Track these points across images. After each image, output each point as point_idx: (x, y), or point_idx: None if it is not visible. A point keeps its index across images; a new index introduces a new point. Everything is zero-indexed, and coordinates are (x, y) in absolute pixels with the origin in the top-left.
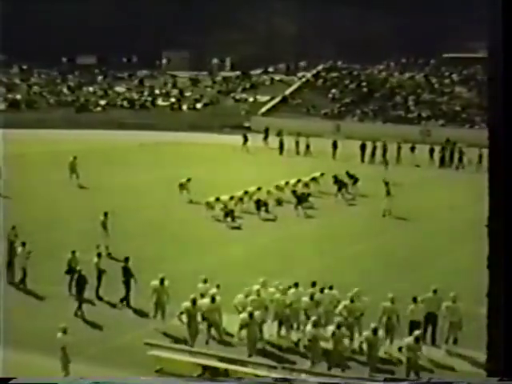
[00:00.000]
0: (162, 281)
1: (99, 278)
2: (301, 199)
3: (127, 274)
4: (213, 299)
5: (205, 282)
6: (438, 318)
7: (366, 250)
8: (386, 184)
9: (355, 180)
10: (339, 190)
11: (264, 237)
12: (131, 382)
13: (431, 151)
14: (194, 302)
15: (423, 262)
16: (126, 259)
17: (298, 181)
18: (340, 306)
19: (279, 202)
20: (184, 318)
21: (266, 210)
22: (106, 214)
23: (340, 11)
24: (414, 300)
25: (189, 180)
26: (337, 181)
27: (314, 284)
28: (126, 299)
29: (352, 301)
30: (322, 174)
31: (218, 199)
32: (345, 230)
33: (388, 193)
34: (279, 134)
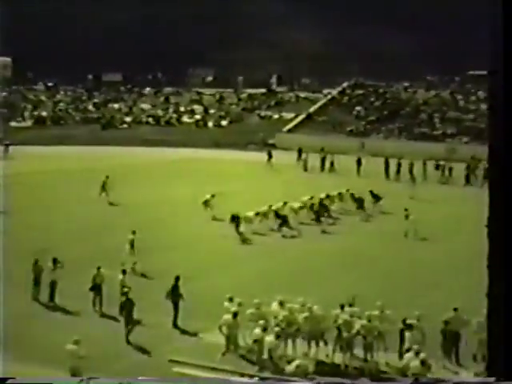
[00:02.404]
0: (235, 315)
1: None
2: (320, 216)
3: (176, 292)
4: (278, 336)
5: (230, 300)
6: (461, 337)
7: (384, 270)
8: (406, 210)
9: (378, 198)
10: (359, 208)
11: (281, 254)
12: (133, 382)
13: (450, 169)
14: (264, 328)
15: (443, 282)
16: (177, 278)
17: (327, 196)
18: (357, 326)
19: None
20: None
21: (283, 226)
22: (134, 232)
23: (365, 28)
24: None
25: (213, 196)
26: (355, 199)
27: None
28: (175, 319)
29: (369, 320)
30: (347, 190)
31: (235, 218)
32: (363, 248)
33: (407, 217)
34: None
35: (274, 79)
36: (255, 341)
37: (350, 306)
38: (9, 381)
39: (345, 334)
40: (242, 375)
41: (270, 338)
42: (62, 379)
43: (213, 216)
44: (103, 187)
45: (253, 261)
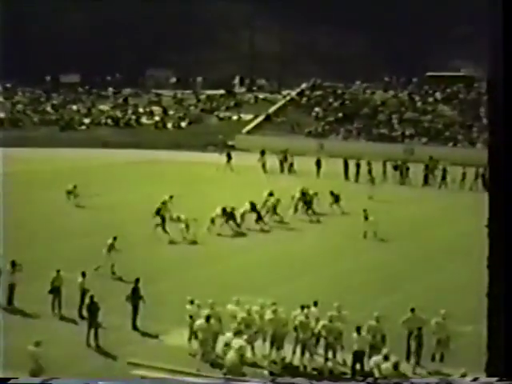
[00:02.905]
0: (207, 318)
1: (82, 298)
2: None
3: (136, 295)
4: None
5: (191, 302)
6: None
7: (344, 270)
8: (365, 210)
9: (338, 199)
10: (308, 208)
11: (240, 256)
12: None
13: (407, 170)
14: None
15: (401, 283)
16: (137, 280)
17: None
18: (319, 326)
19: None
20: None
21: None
22: (115, 238)
23: (324, 29)
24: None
25: (171, 198)
26: (305, 202)
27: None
28: (135, 321)
29: (331, 320)
30: (301, 192)
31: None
32: (322, 249)
33: (366, 218)
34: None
35: (236, 80)
36: (226, 344)
37: (309, 307)
38: (11, 381)
39: (301, 336)
40: (199, 376)
41: (239, 341)
42: (63, 379)
43: (170, 217)
44: (70, 192)
45: (210, 262)
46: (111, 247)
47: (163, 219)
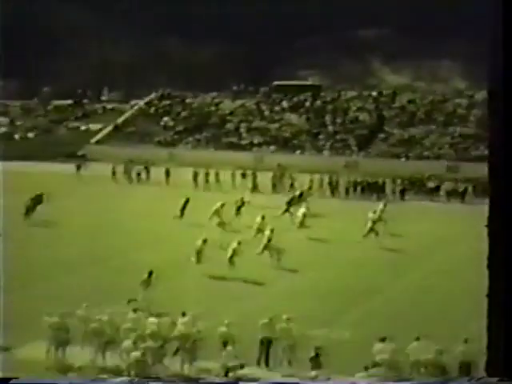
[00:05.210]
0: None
1: None
2: None
3: None
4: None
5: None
6: (272, 343)
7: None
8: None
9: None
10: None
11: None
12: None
13: (255, 178)
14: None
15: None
16: None
17: None
18: (175, 332)
19: None
20: None
21: None
22: (150, 274)
23: (173, 41)
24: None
25: None
26: None
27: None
28: None
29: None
30: None
31: None
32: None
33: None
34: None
35: (105, 91)
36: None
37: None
38: (12, 381)
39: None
40: None
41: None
42: (64, 380)
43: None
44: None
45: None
46: (148, 283)
47: None
